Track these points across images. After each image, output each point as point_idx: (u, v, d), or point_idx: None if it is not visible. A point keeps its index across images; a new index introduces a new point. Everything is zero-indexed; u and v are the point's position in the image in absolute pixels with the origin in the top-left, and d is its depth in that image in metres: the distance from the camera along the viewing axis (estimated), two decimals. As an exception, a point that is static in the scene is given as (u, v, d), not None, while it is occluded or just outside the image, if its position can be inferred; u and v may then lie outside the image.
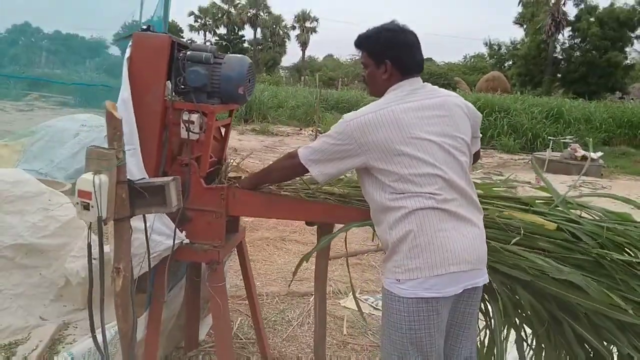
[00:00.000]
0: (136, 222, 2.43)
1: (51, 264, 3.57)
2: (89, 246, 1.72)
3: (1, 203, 3.56)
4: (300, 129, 17.64)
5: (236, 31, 56.35)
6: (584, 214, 2.35)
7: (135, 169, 2.40)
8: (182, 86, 2.45)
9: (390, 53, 2.08)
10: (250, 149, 12.29)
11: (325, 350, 2.74)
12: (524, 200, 2.43)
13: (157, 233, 2.43)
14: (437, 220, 1.98)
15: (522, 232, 2.22)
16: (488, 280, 2.13)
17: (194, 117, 2.42)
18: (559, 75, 36.76)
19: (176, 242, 2.47)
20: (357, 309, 3.85)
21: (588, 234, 2.21)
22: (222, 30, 56.45)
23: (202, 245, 2.52)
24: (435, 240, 1.98)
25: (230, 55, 2.54)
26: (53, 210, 3.66)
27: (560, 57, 36.55)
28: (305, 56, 59.83)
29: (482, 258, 2.08)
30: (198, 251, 2.51)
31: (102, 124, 6.58)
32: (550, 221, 2.24)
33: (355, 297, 2.70)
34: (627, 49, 36.07)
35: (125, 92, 2.39)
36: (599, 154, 12.62)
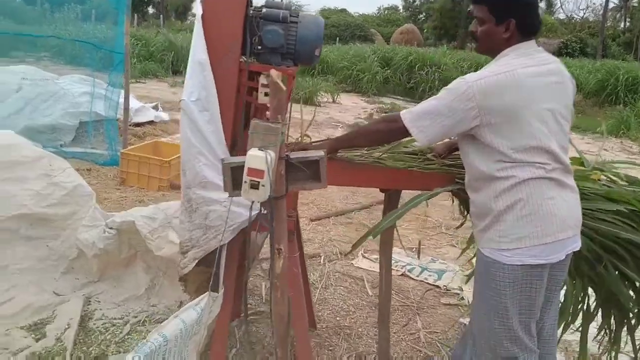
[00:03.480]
0: (212, 194, 2.29)
1: (58, 234, 3.31)
2: (250, 221, 1.59)
3: (-2, 169, 3.22)
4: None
5: (142, -26, 52.79)
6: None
7: (214, 138, 2.24)
8: (259, 46, 2.28)
9: (516, 11, 1.98)
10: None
11: (389, 314, 2.74)
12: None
13: (236, 204, 2.29)
14: (546, 189, 2.00)
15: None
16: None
17: (275, 80, 2.27)
18: (472, 29, 37.80)
19: (254, 213, 2.35)
20: (369, 269, 3.91)
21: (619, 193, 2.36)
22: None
23: (277, 215, 2.41)
24: (544, 209, 2.00)
25: (305, 13, 2.38)
26: (56, 176, 3.37)
27: (474, 11, 37.41)
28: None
29: (580, 222, 2.14)
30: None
31: (45, 77, 6.04)
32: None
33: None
34: (535, 5, 37.63)
35: (202, 53, 2.20)
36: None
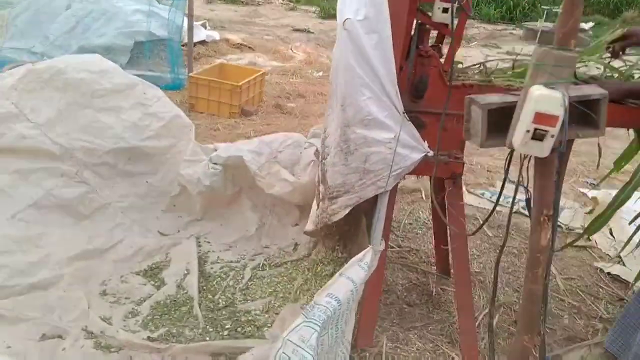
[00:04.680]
0: (375, 133, 1.97)
1: (157, 169, 3.05)
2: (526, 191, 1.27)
3: (90, 98, 2.94)
4: (268, -3, 16.30)
5: None
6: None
7: (382, 66, 1.88)
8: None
9: None
10: (229, 20, 11.25)
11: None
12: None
13: (402, 145, 1.97)
14: None
15: None
16: None
17: (453, -5, 1.88)
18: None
19: (420, 156, 2.03)
20: (478, 205, 3.62)
21: None
22: None
23: (439, 156, 2.08)
24: None
25: None
26: (151, 106, 3.07)
27: None
28: None
29: None
30: (438, 164, 2.08)
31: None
32: None
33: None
34: None
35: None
36: (590, 24, 12.42)
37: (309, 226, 2.52)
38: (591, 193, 3.99)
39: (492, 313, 1.76)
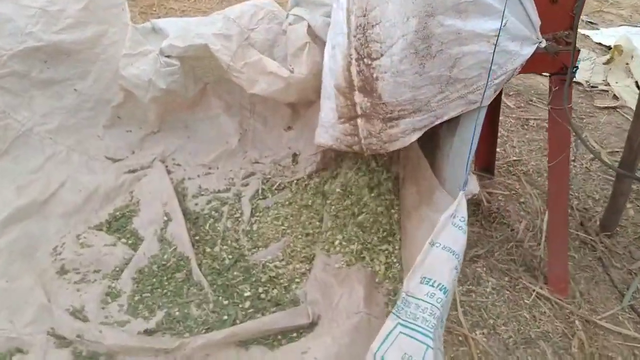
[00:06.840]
0: (475, 23, 1.28)
1: (87, 70, 2.24)
2: None
3: (-35, -21, 1.96)
4: None
5: None
6: None
7: None
8: None
9: None
10: None
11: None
12: None
13: (511, 38, 1.30)
14: None
15: None
16: None
17: None
18: None
19: (529, 49, 1.37)
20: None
21: None
22: None
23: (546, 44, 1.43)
24: None
25: None
26: (61, -20, 2.12)
27: None
28: None
29: None
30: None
31: None
32: None
33: None
34: None
35: None
36: None
37: (323, 139, 1.87)
38: (595, 35, 3.48)
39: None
